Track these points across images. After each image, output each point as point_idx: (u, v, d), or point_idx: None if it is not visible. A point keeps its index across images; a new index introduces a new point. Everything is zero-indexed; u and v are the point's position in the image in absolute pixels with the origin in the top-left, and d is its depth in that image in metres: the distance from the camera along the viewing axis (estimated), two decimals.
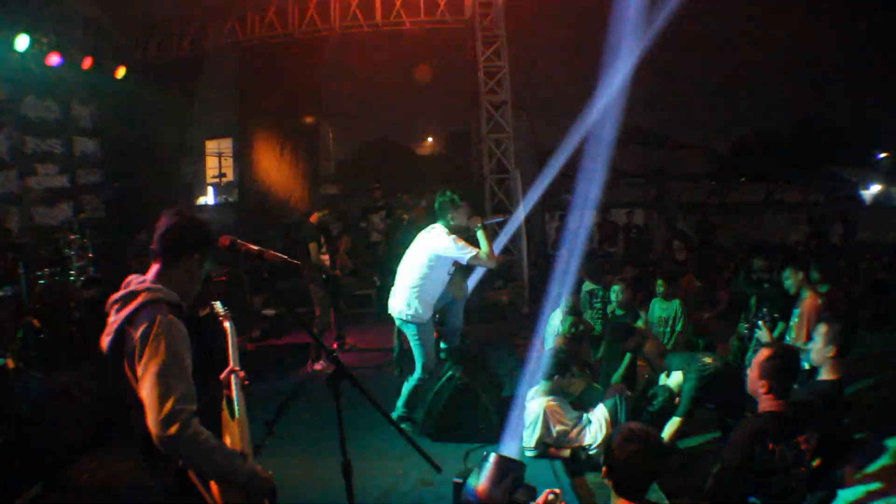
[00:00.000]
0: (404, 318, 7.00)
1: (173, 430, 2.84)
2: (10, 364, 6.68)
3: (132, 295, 3.12)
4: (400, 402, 7.19)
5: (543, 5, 14.41)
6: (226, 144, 25.83)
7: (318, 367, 9.57)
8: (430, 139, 38.74)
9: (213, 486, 3.00)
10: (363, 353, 10.37)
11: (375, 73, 25.20)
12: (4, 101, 10.42)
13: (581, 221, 12.82)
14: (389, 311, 7.21)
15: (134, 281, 3.20)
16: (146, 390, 2.90)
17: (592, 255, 13.79)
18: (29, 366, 7.34)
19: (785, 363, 4.02)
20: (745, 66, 27.91)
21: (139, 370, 2.94)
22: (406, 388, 7.18)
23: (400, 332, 7.61)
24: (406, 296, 6.98)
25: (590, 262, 10.12)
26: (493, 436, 6.64)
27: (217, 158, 25.85)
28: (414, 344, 7.06)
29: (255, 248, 3.52)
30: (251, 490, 3.09)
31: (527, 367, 7.51)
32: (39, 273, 8.32)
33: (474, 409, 6.98)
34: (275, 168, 15.30)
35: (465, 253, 6.73)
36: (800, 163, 25.63)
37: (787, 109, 29.17)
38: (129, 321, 3.04)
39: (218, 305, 4.19)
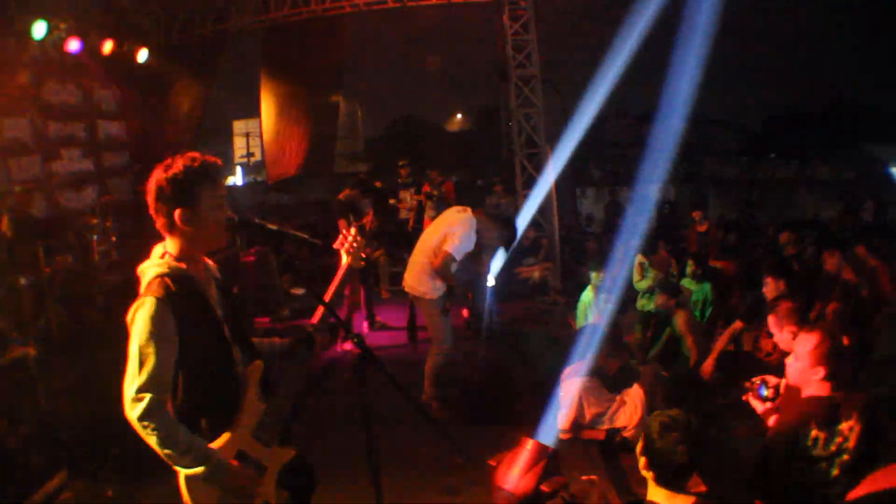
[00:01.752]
0: (416, 293, 6.87)
1: (133, 414, 2.81)
2: (32, 352, 6.65)
3: (141, 272, 3.10)
4: (427, 383, 7.05)
5: None
6: (253, 125, 25.80)
7: (347, 346, 9.45)
8: (459, 116, 38.57)
9: (179, 478, 2.95)
10: (394, 332, 10.20)
11: (403, 50, 25.05)
12: (25, 87, 10.36)
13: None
14: (402, 286, 7.11)
15: (153, 252, 3.16)
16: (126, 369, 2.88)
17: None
18: (51, 353, 7.27)
19: (838, 346, 3.82)
20: (777, 42, 27.32)
21: None
22: (428, 367, 7.03)
23: (412, 306, 7.44)
24: (417, 272, 6.83)
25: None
26: (529, 417, 6.50)
27: (245, 138, 25.82)
28: (427, 319, 6.93)
29: (274, 226, 3.36)
30: (228, 489, 3.00)
31: (560, 346, 7.38)
32: (60, 258, 8.27)
33: (508, 391, 6.85)
34: (298, 146, 15.15)
35: (450, 249, 6.57)
36: (831, 140, 25.14)
37: (818, 86, 28.49)
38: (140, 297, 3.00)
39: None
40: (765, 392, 3.94)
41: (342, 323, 3.35)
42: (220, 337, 3.18)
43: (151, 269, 3.07)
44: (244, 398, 3.19)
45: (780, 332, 4.87)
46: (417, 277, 6.84)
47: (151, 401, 2.82)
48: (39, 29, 9.74)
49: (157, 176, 3.08)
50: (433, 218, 12.80)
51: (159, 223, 3.12)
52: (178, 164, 3.08)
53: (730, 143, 24.98)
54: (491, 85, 15.79)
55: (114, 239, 9.42)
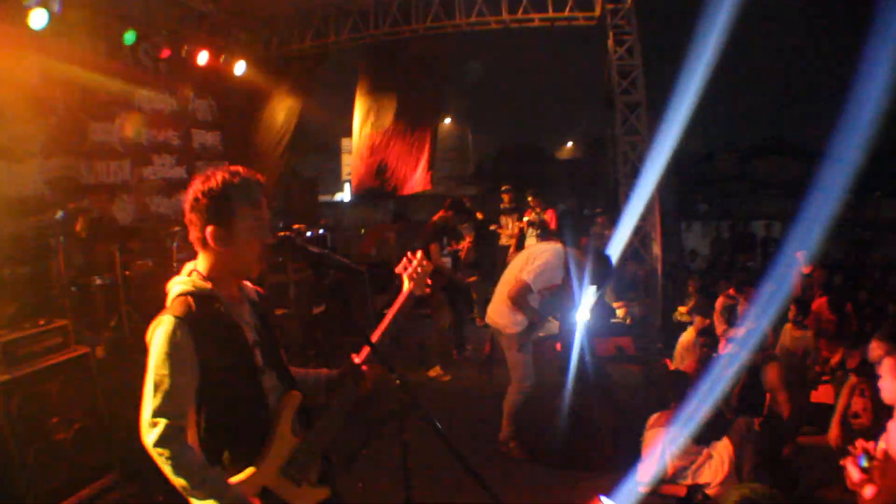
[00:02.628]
0: (495, 325, 6.57)
1: (148, 440, 2.63)
2: (100, 353, 6.67)
3: (169, 288, 2.90)
4: (504, 421, 6.71)
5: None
6: None
7: (432, 373, 9.24)
8: (569, 144, 38.32)
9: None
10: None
11: (517, 77, 25.01)
12: (116, 93, 10.56)
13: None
14: (485, 318, 6.79)
15: (185, 267, 2.95)
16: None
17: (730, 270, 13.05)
18: (120, 354, 7.26)
19: None
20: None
21: None
22: (506, 404, 6.68)
23: (493, 340, 7.13)
24: (499, 303, 6.52)
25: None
26: (609, 464, 6.10)
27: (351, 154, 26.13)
28: (507, 354, 6.58)
29: (316, 249, 3.09)
30: None
31: (653, 389, 6.95)
32: (141, 263, 8.31)
33: (589, 435, 6.46)
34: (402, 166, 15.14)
35: (527, 278, 6.29)
36: None
37: None
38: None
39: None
40: (864, 463, 3.46)
41: (384, 361, 3.03)
42: (249, 363, 2.91)
43: (177, 285, 2.86)
44: (275, 431, 2.91)
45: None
46: (498, 309, 6.54)
47: (166, 427, 2.62)
48: (130, 37, 9.91)
49: (195, 186, 2.85)
50: None
51: (192, 236, 2.89)
52: (217, 177, 2.85)
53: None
54: (600, 113, 15.45)
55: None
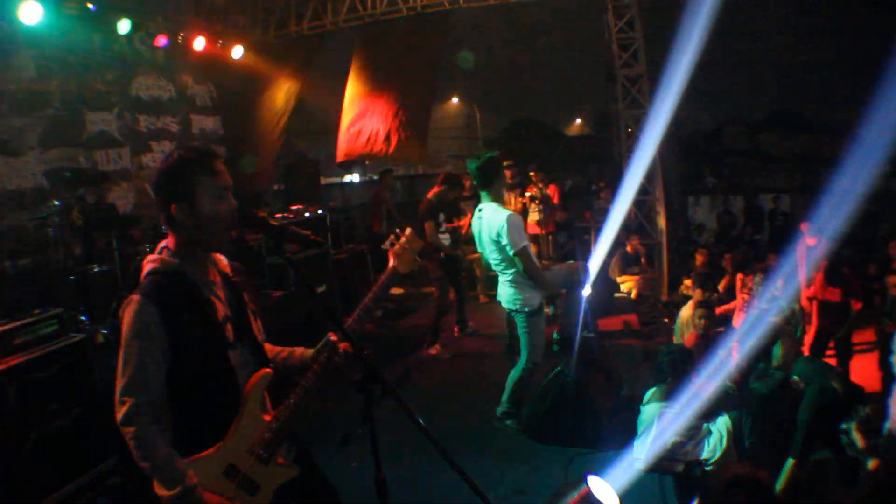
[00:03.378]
0: (512, 306, 6.45)
1: (118, 417, 2.67)
2: (99, 338, 6.71)
3: (143, 267, 2.95)
4: (504, 397, 6.64)
5: None
6: None
7: (432, 351, 9.24)
8: (578, 120, 38.06)
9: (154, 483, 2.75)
10: (486, 338, 9.87)
11: (523, 53, 24.82)
12: (113, 82, 10.59)
13: None
14: (498, 299, 6.72)
15: (158, 246, 2.98)
16: None
17: (738, 244, 12.95)
18: (119, 340, 7.27)
19: None
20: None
21: None
22: (510, 380, 6.59)
23: (510, 321, 7.07)
24: (507, 284, 6.44)
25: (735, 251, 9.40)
26: (604, 441, 6.08)
27: None
28: (521, 332, 6.43)
29: (275, 222, 3.07)
30: None
31: (652, 365, 6.90)
32: (141, 249, 8.31)
33: (584, 411, 6.40)
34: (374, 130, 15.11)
35: (510, 248, 6.12)
36: None
37: None
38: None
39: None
40: None
41: (347, 335, 3.01)
42: (219, 339, 2.94)
43: (148, 264, 2.90)
44: (244, 408, 2.93)
45: None
46: (508, 289, 6.46)
47: (132, 405, 2.67)
48: (124, 26, 9.88)
49: (157, 168, 2.90)
50: (538, 221, 12.48)
51: (161, 218, 2.95)
52: (174, 155, 2.89)
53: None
54: (607, 88, 15.33)
55: None
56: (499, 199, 6.41)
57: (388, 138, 14.25)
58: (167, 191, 2.86)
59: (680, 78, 9.91)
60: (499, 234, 6.16)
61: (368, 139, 14.33)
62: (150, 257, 2.94)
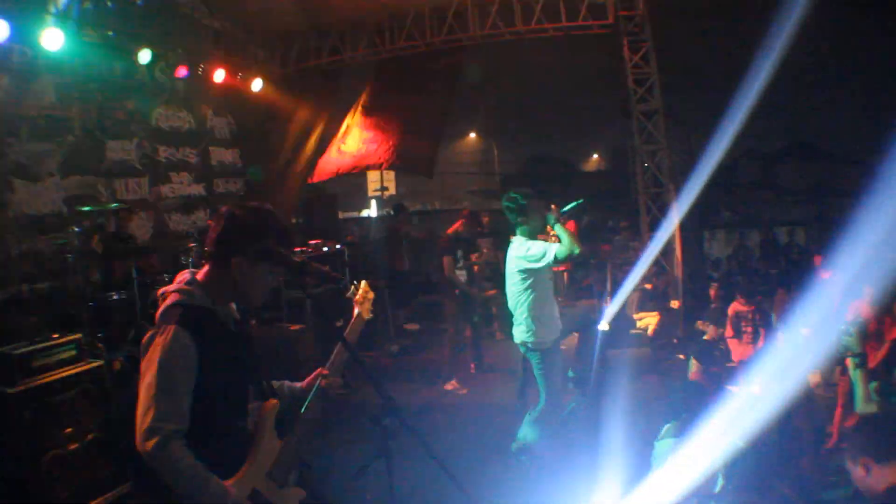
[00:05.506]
0: (528, 345, 6.41)
1: (149, 446, 2.67)
2: (116, 366, 6.75)
3: (163, 296, 2.97)
4: (520, 433, 6.63)
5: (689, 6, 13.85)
6: None
7: (448, 386, 9.23)
8: (595, 156, 38.13)
9: None
10: (502, 374, 9.79)
11: (542, 91, 24.94)
12: (133, 111, 10.73)
13: None
14: (514, 339, 6.67)
15: (179, 277, 3.03)
16: (139, 399, 2.73)
17: (750, 275, 12.85)
18: (136, 367, 7.33)
19: None
20: None
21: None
22: (528, 418, 6.62)
23: (525, 360, 7.04)
24: (523, 321, 6.39)
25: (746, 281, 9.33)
26: (619, 477, 6.01)
27: (379, 172, 26.17)
28: (538, 373, 6.40)
29: (297, 259, 3.14)
30: None
31: (668, 400, 6.85)
32: (160, 279, 8.37)
33: (601, 445, 6.36)
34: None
35: (543, 259, 6.05)
36: None
37: None
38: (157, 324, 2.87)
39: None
40: None
41: (361, 363, 3.10)
42: (243, 376, 3.09)
43: (174, 294, 2.94)
44: (261, 435, 3.04)
45: None
46: (524, 326, 6.39)
47: (170, 433, 2.68)
48: (145, 56, 10.00)
49: (240, 211, 2.99)
50: None
51: (211, 251, 3.01)
52: (265, 213, 3.01)
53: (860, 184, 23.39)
54: (622, 124, 15.41)
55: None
56: (533, 235, 6.39)
57: (388, 153, 14.41)
58: (239, 241, 2.95)
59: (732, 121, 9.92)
60: (524, 258, 6.19)
61: (361, 157, 14.51)
62: (174, 288, 2.99)
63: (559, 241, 6.17)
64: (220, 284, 3.00)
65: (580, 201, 7.04)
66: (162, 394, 2.71)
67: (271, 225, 2.99)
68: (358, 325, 3.50)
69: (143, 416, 2.70)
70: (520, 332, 6.43)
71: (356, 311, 3.55)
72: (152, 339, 2.83)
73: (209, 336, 2.89)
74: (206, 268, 3.04)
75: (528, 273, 6.27)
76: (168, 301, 2.93)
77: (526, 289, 6.30)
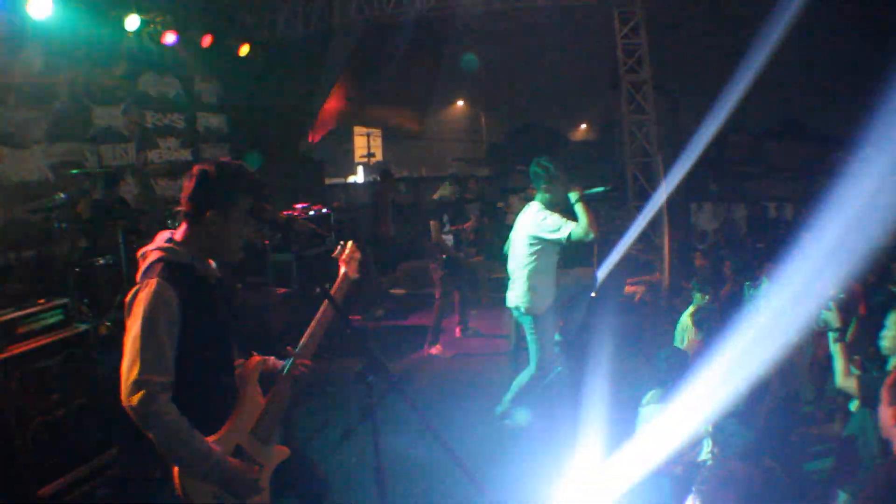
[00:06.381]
0: (522, 310, 6.46)
1: (135, 399, 2.67)
2: (103, 330, 6.74)
3: (143, 255, 3.01)
4: (507, 397, 6.69)
5: None
6: None
7: (433, 351, 9.26)
8: (583, 125, 38.01)
9: (175, 470, 2.82)
10: (487, 339, 9.93)
11: (531, 60, 24.82)
12: (120, 78, 10.67)
13: None
14: (507, 304, 6.71)
15: (158, 237, 3.07)
16: (124, 355, 2.73)
17: (738, 249, 12.92)
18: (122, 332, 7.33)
19: None
20: None
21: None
22: (515, 382, 6.65)
23: (517, 325, 7.07)
24: (519, 286, 6.43)
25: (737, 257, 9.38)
26: (603, 443, 6.07)
27: (366, 139, 26.07)
28: (530, 338, 6.46)
29: (283, 214, 3.18)
30: (226, 487, 2.84)
31: (652, 367, 6.92)
32: (144, 242, 8.34)
33: (585, 412, 6.41)
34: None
35: (556, 233, 6.08)
36: None
37: None
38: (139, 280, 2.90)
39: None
40: None
41: (348, 322, 3.14)
42: (221, 329, 3.10)
43: (155, 252, 2.98)
44: (245, 392, 3.09)
45: None
46: (520, 291, 6.45)
47: (155, 384, 2.70)
48: (132, 22, 9.94)
49: (209, 167, 3.02)
50: None
51: (186, 210, 3.04)
52: (234, 167, 3.05)
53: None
54: (609, 93, 15.38)
55: None
56: (552, 206, 6.38)
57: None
58: (211, 193, 2.98)
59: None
60: (538, 226, 6.21)
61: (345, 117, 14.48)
62: (154, 246, 3.02)
63: (553, 223, 6.17)
64: (197, 241, 3.04)
65: (609, 188, 7.00)
66: (147, 346, 2.74)
67: (242, 177, 3.04)
68: (345, 284, 3.55)
69: (129, 369, 2.72)
70: (514, 297, 6.48)
71: (342, 269, 3.58)
72: (135, 295, 2.86)
73: (191, 290, 2.92)
74: (182, 226, 3.08)
75: (537, 241, 6.28)
76: (149, 259, 2.98)
77: (530, 255, 6.33)
